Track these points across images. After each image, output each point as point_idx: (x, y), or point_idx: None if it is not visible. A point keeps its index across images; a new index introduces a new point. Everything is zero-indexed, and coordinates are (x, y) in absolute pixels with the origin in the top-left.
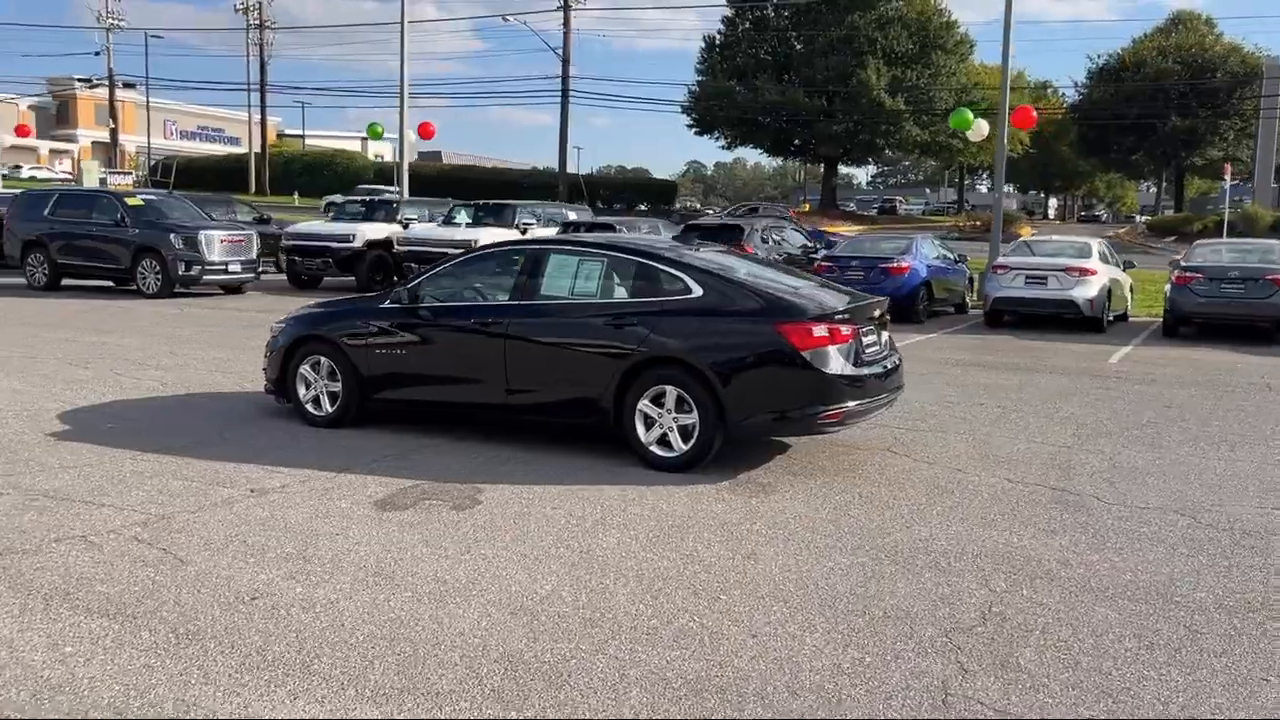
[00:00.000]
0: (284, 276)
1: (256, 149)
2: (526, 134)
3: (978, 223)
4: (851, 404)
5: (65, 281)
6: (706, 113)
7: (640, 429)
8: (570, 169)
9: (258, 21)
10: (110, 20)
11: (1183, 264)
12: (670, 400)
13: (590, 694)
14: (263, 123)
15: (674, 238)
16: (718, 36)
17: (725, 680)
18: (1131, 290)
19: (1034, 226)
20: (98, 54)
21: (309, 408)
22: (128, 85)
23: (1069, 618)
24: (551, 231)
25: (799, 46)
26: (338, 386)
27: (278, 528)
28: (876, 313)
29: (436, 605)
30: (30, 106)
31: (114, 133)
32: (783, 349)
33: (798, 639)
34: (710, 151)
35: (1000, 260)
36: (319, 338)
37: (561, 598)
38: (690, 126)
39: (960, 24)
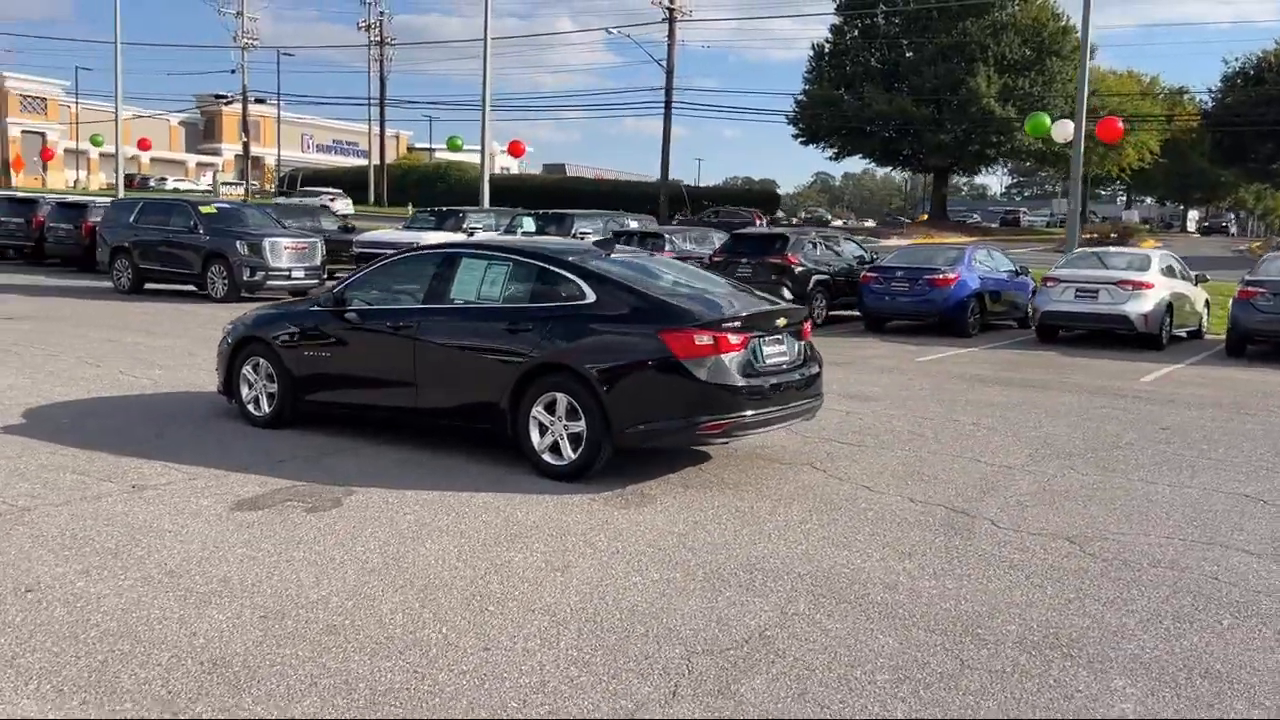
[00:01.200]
0: None
1: (377, 162)
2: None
3: (1094, 235)
4: (740, 415)
5: (148, 286)
6: (813, 122)
7: (535, 436)
8: (690, 181)
9: (378, 39)
10: (245, 39)
11: (1247, 277)
12: (561, 407)
13: (264, 699)
14: (381, 136)
15: (721, 246)
16: (826, 45)
17: (414, 691)
18: (1208, 305)
19: (1159, 239)
20: (233, 72)
21: (250, 408)
22: (259, 101)
23: (840, 644)
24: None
25: (909, 54)
26: (275, 388)
27: (120, 524)
28: (781, 321)
29: (199, 606)
30: (180, 122)
31: (246, 146)
32: (664, 356)
33: (531, 654)
34: (837, 163)
35: (1051, 272)
36: (258, 339)
37: (327, 604)
38: (796, 136)
39: (1077, 29)
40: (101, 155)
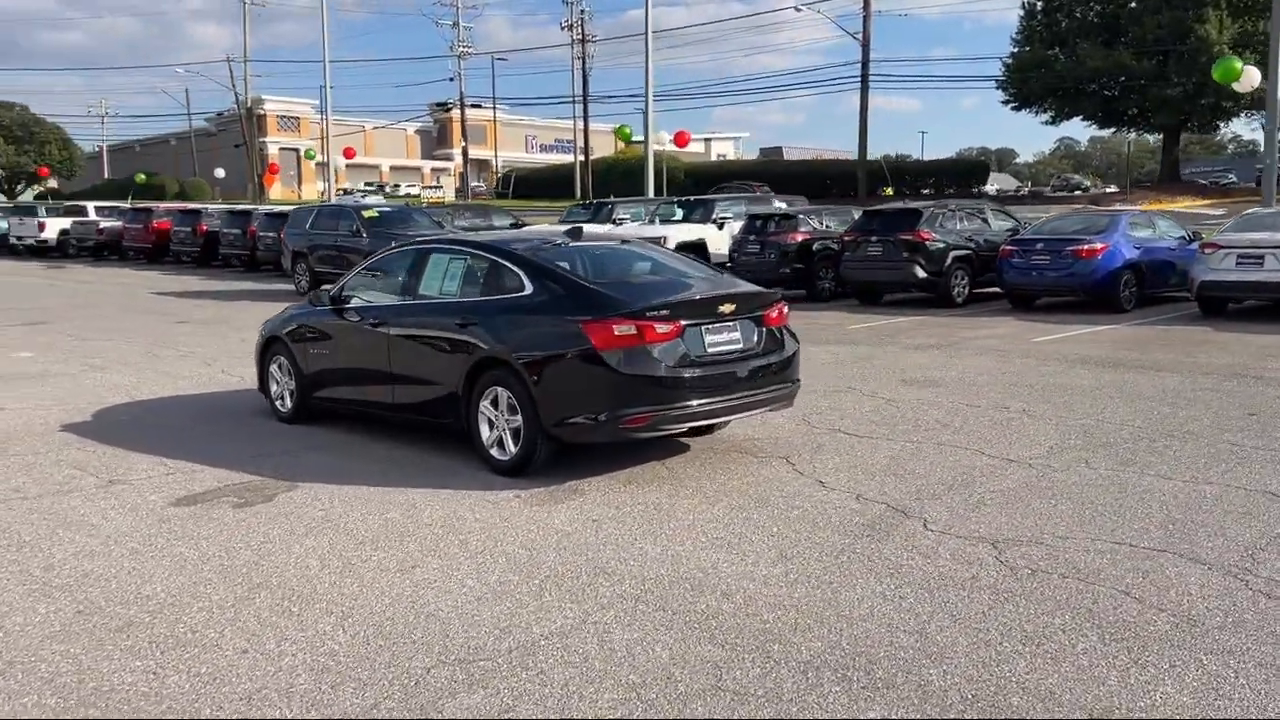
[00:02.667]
0: None
1: (584, 158)
2: (885, 120)
3: None
4: (667, 407)
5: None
6: (1024, 85)
7: (484, 430)
8: (915, 155)
9: (580, 37)
10: (460, 48)
11: None
12: (504, 402)
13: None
14: (585, 133)
15: (852, 224)
16: (1038, 2)
17: (131, 692)
18: None
19: None
20: (451, 80)
21: (277, 404)
22: (475, 106)
23: (605, 655)
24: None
25: (1133, 3)
26: (294, 385)
27: (56, 519)
28: (727, 307)
29: (36, 599)
30: (416, 130)
31: (465, 151)
32: (584, 348)
33: (283, 655)
34: (1056, 127)
35: (1212, 238)
36: (279, 338)
37: (147, 601)
38: (1006, 102)
39: None
40: (349, 166)
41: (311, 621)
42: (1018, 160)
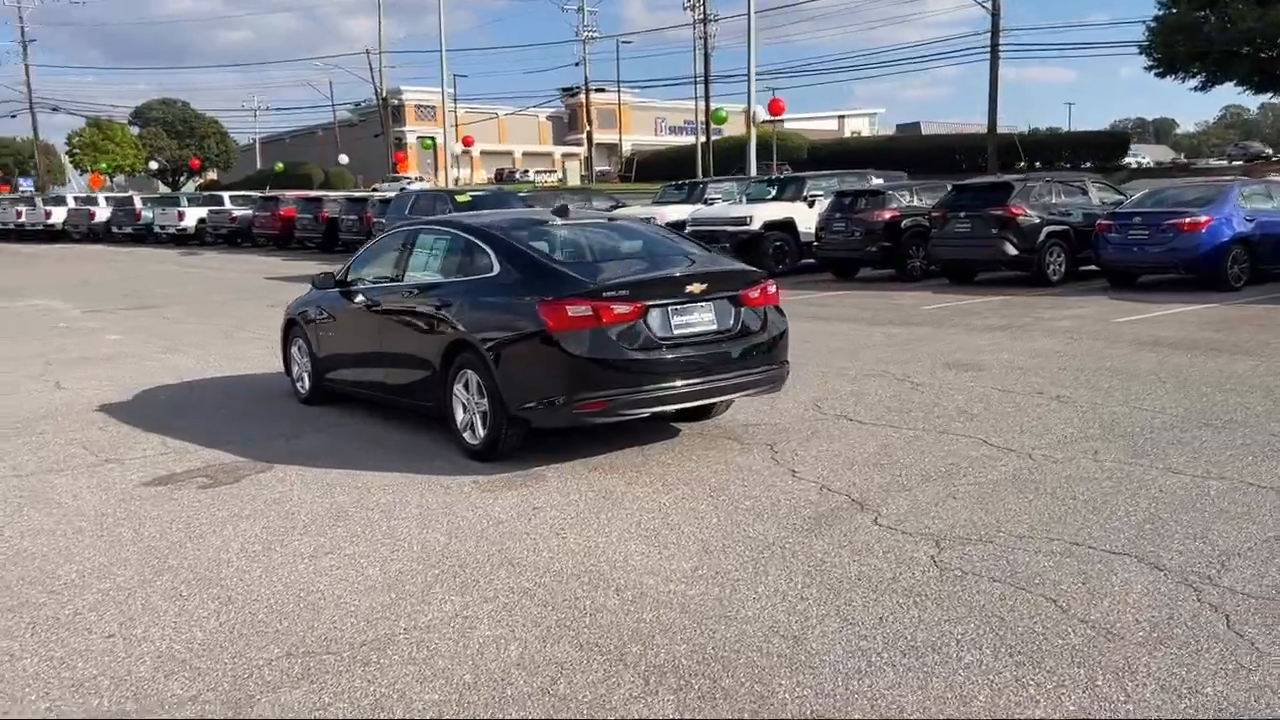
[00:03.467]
0: None
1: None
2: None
3: None
4: (621, 392)
5: None
6: (1168, 50)
7: (459, 414)
8: (1061, 126)
9: (700, 17)
10: (586, 33)
11: None
12: (473, 385)
13: None
14: (707, 112)
15: (940, 200)
16: None
17: None
18: None
19: None
20: (577, 64)
21: (297, 386)
22: (598, 90)
23: (450, 640)
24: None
25: None
26: (310, 366)
27: (28, 497)
28: (696, 287)
29: None
30: (547, 117)
31: (589, 135)
32: (540, 329)
33: (147, 641)
34: (1205, 94)
35: None
36: (295, 321)
37: (58, 579)
38: (1150, 68)
39: None
40: (483, 153)
41: (194, 607)
42: (1177, 131)
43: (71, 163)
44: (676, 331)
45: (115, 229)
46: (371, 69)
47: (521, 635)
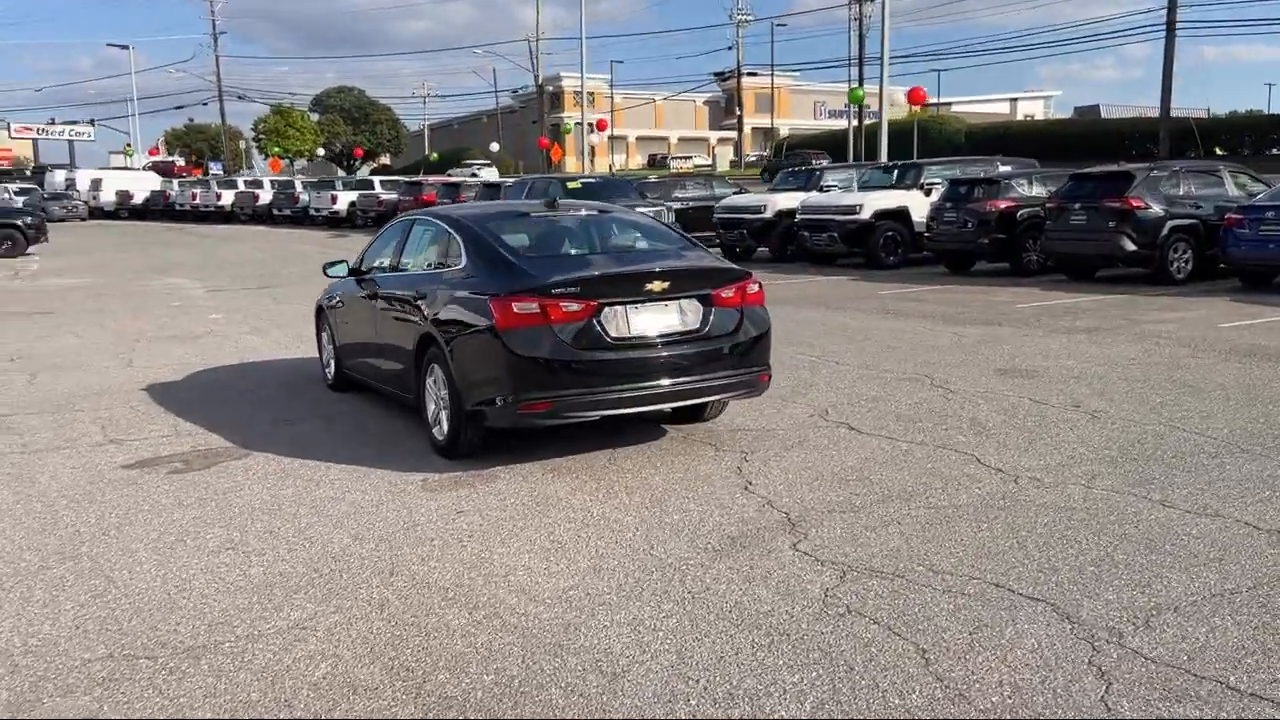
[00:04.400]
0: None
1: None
2: (1238, 72)
3: None
4: (566, 393)
5: None
6: None
7: (430, 407)
8: (1261, 109)
9: None
10: (739, 16)
11: None
12: (440, 379)
13: None
14: (862, 95)
15: (1057, 190)
16: None
17: None
18: None
19: None
20: (730, 48)
21: (326, 372)
22: (750, 74)
23: (268, 654)
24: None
25: None
26: (333, 353)
27: (10, 475)
28: (657, 285)
29: None
30: (704, 102)
31: (740, 119)
32: (489, 325)
33: None
34: None
35: None
36: (322, 308)
37: None
38: None
39: None
40: (638, 139)
41: (64, 599)
42: None
43: (257, 148)
44: (634, 332)
45: (275, 211)
46: (531, 55)
47: (341, 653)
